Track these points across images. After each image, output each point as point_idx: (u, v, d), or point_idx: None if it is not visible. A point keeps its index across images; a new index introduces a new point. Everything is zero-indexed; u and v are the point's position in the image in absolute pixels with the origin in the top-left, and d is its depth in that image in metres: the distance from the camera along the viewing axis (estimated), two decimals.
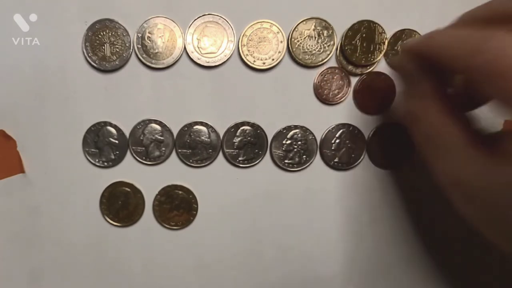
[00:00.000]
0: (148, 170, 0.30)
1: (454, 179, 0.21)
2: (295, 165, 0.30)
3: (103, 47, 0.29)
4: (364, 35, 0.28)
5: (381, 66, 0.29)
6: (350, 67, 0.29)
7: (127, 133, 0.30)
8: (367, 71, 0.29)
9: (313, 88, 0.29)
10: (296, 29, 0.29)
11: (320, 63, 0.29)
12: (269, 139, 0.30)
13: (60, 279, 0.31)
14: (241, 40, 0.29)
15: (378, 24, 0.28)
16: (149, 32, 0.29)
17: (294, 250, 0.31)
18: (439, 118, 0.22)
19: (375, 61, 0.29)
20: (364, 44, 0.29)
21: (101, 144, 0.30)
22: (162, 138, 0.30)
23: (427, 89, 0.23)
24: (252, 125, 0.30)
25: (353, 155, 0.30)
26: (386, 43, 0.29)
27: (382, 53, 0.29)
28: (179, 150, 0.30)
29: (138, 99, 0.30)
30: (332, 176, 0.30)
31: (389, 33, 0.29)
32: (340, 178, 0.30)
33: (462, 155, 0.21)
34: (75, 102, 0.30)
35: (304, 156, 0.30)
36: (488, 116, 0.29)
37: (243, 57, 0.29)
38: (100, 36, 0.29)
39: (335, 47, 0.29)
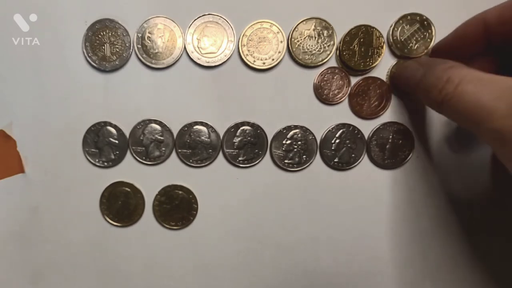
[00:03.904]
0: (148, 170, 0.30)
1: None
2: (295, 165, 0.30)
3: (103, 47, 0.29)
4: (362, 40, 0.28)
5: (378, 70, 0.29)
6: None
7: (127, 133, 0.30)
8: (367, 73, 0.29)
9: (313, 88, 0.29)
10: (296, 29, 0.29)
11: (320, 63, 0.29)
12: (269, 139, 0.30)
13: (60, 279, 0.31)
14: (241, 40, 0.29)
15: (375, 28, 0.28)
16: (149, 32, 0.29)
17: (294, 250, 0.31)
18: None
19: (373, 65, 0.29)
20: (362, 49, 0.29)
21: (101, 144, 0.30)
22: (162, 138, 0.30)
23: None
24: (252, 125, 0.30)
25: (353, 155, 0.30)
26: (384, 47, 0.28)
27: (381, 57, 0.29)
28: (179, 150, 0.30)
29: (138, 99, 0.30)
30: (332, 176, 0.30)
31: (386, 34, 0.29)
32: (340, 178, 0.30)
33: None
34: (75, 102, 0.30)
35: (304, 156, 0.30)
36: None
37: (243, 57, 0.29)
38: (100, 36, 0.29)
39: (335, 47, 0.29)
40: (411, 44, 0.28)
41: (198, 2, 0.29)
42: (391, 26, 0.28)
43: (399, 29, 0.28)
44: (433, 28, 0.28)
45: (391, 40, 0.28)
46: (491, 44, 0.25)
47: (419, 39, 0.28)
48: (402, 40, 0.28)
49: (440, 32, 0.28)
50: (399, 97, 0.29)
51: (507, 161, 0.21)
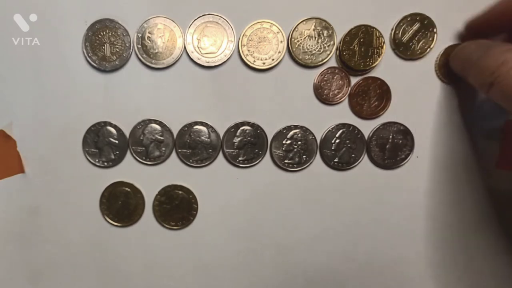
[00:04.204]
0: (148, 170, 0.30)
1: None
2: (295, 165, 0.30)
3: (103, 47, 0.29)
4: (362, 40, 0.28)
5: (378, 70, 0.29)
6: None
7: (127, 133, 0.30)
8: (367, 73, 0.29)
9: (313, 88, 0.29)
10: (296, 29, 0.29)
11: (320, 63, 0.29)
12: (269, 139, 0.30)
13: (60, 279, 0.31)
14: (241, 40, 0.29)
15: (376, 28, 0.28)
16: (149, 32, 0.29)
17: (294, 250, 0.31)
18: None
19: (373, 65, 0.29)
20: (362, 49, 0.29)
21: (101, 144, 0.30)
22: (162, 138, 0.30)
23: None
24: (252, 125, 0.30)
25: (353, 155, 0.30)
26: (384, 47, 0.28)
27: (381, 57, 0.29)
28: (179, 150, 0.30)
29: (138, 99, 0.30)
30: (332, 176, 0.30)
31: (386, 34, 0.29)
32: (340, 178, 0.30)
33: None
34: (75, 102, 0.30)
35: (304, 156, 0.30)
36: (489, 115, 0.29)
37: (243, 57, 0.29)
38: (100, 36, 0.29)
39: (335, 47, 0.29)
40: (413, 46, 0.28)
41: (198, 2, 0.29)
42: (392, 29, 0.28)
43: (400, 31, 0.28)
44: (434, 26, 0.28)
45: (393, 44, 0.28)
46: None
47: (421, 38, 0.28)
48: (404, 42, 0.28)
49: (442, 29, 0.28)
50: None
51: None
